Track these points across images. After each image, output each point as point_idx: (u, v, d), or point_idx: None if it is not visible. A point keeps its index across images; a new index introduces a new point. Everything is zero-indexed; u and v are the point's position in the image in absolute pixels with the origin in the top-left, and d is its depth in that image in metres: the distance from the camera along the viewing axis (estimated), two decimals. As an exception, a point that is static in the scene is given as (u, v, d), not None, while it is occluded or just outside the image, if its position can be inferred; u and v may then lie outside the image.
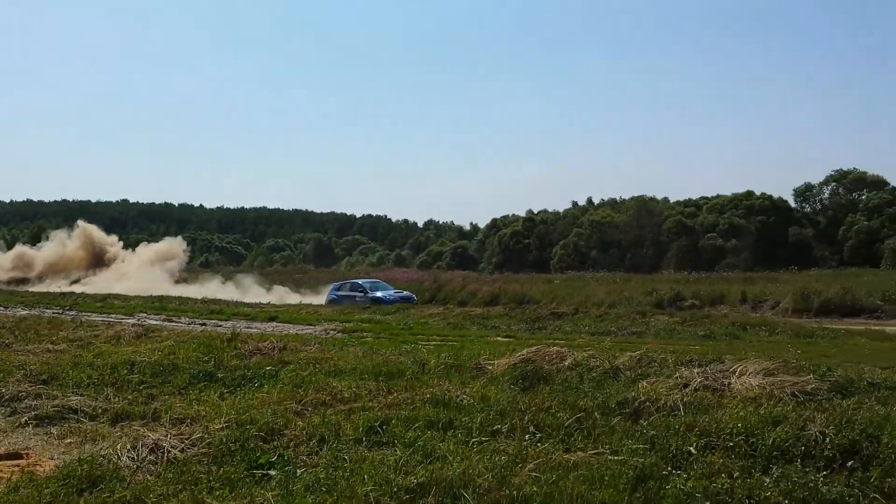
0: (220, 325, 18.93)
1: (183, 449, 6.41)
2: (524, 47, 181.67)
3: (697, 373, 8.36)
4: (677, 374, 8.38)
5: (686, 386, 7.91)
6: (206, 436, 6.68)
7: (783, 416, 6.61)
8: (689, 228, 72.30)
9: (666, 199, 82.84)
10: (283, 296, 41.93)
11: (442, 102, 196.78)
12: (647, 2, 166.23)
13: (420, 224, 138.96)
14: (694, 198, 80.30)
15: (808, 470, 5.58)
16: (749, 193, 75.00)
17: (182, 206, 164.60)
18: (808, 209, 77.53)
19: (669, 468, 5.71)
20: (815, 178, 78.91)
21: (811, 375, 8.06)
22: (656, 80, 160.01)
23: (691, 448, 6.07)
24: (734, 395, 7.54)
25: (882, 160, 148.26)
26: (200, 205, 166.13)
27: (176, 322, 20.77)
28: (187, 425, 7.22)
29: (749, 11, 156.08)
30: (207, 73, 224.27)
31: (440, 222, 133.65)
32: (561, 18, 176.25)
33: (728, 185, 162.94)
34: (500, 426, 6.74)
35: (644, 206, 76.92)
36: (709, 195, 79.20)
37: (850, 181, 74.98)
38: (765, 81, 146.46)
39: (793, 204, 76.83)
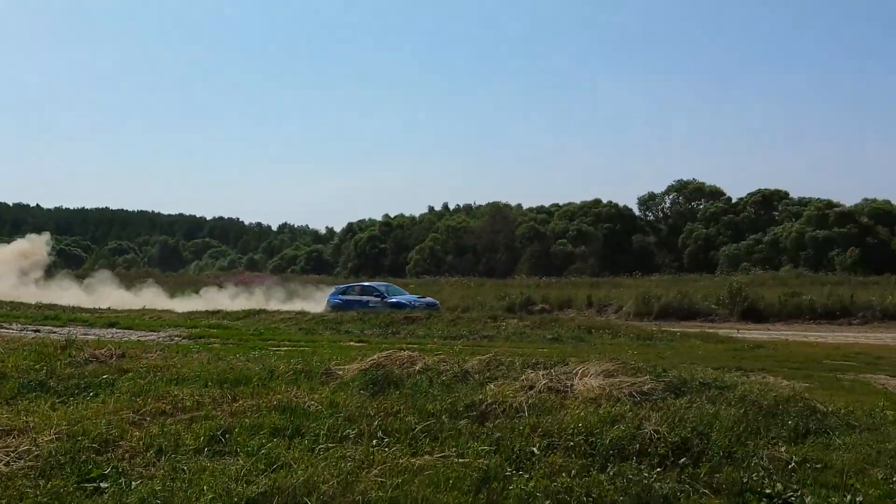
0: (54, 332, 17.86)
1: (8, 462, 6.01)
2: (379, 52, 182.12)
3: (543, 375, 8.55)
4: (524, 377, 8.53)
5: (532, 388, 8.07)
6: (34, 448, 6.28)
7: (621, 415, 6.88)
8: (541, 234, 74.34)
9: (520, 206, 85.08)
10: (153, 300, 36.73)
11: (298, 105, 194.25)
12: (496, 9, 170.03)
13: (274, 227, 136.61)
14: (546, 205, 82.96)
15: (642, 467, 5.82)
16: (597, 201, 78.09)
17: (17, 205, 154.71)
18: (651, 217, 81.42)
19: (513, 469, 5.82)
20: (658, 188, 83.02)
21: (648, 376, 8.41)
22: (510, 87, 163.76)
23: (534, 449, 6.22)
24: (576, 396, 7.76)
25: (717, 172, 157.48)
26: (37, 204, 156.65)
27: (6, 328, 19.46)
28: (14, 438, 6.74)
29: (595, 23, 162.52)
30: (44, 65, 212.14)
31: (295, 226, 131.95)
32: (415, 24, 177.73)
33: (578, 193, 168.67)
34: (347, 432, 6.67)
35: (498, 212, 78.57)
36: (560, 202, 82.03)
37: (689, 191, 79.35)
38: (611, 93, 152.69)
39: (637, 212, 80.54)
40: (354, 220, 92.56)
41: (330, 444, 6.34)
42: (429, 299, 30.89)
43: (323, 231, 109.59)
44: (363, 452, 6.09)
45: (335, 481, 5.42)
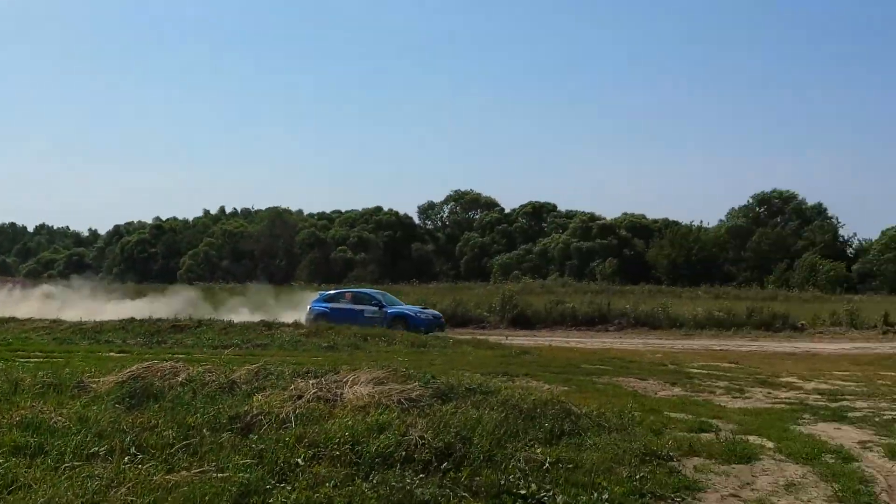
0: None
1: None
2: (153, 45, 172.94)
3: (313, 384, 8.46)
4: (293, 387, 8.41)
5: (300, 397, 7.96)
6: None
7: (388, 422, 6.91)
8: (321, 241, 74.16)
9: (300, 211, 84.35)
10: None
11: (60, 97, 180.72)
12: (272, 9, 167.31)
13: (30, 228, 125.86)
14: (328, 211, 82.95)
15: (406, 474, 5.87)
16: (378, 209, 79.09)
17: None
18: (431, 226, 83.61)
19: (275, 482, 5.67)
20: (438, 197, 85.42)
21: (417, 383, 8.55)
22: (292, 87, 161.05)
23: (299, 460, 6.10)
24: (346, 405, 7.73)
25: (492, 184, 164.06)
26: None
27: None
28: None
29: (382, 26, 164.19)
30: None
31: (54, 227, 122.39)
32: (188, 16, 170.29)
33: (360, 200, 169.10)
34: (97, 449, 6.22)
35: (278, 217, 77.53)
36: (342, 209, 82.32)
37: (466, 201, 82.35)
38: (389, 99, 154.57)
39: (417, 220, 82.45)
40: (122, 222, 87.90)
41: (76, 463, 5.88)
42: (433, 311, 27.48)
43: (86, 233, 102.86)
44: (113, 470, 5.70)
45: (79, 502, 5.04)
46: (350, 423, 6.93)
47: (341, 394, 8.16)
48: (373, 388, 8.25)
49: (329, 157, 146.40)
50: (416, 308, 26.82)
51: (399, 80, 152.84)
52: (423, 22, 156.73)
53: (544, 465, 6.38)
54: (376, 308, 25.60)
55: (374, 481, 5.68)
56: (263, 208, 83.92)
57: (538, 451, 6.74)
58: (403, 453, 6.28)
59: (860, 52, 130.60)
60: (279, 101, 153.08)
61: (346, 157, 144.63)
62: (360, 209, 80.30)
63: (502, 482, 5.88)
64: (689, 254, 63.25)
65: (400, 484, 5.63)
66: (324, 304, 26.62)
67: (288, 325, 21.53)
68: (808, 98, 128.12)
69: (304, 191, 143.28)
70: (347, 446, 6.33)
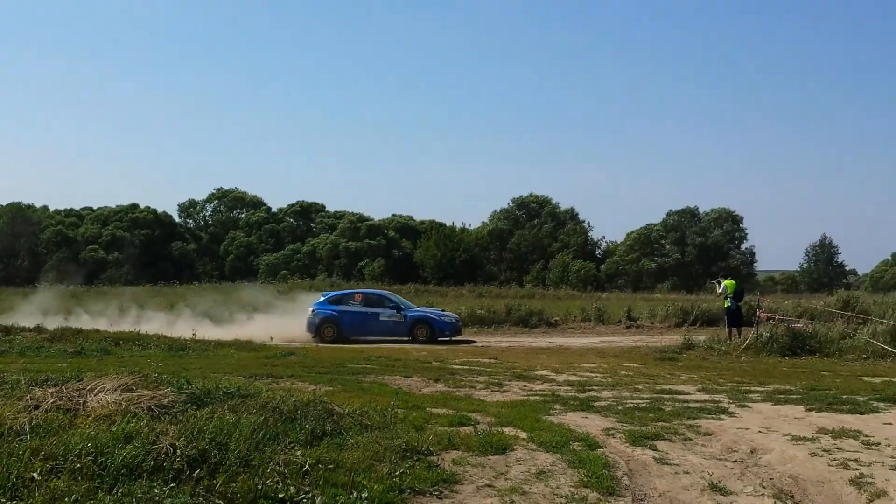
0: None
1: None
2: None
3: (52, 392, 7.80)
4: (29, 396, 7.71)
5: (37, 407, 7.31)
6: None
7: (136, 431, 6.49)
8: (70, 239, 69.36)
9: (45, 208, 78.21)
10: None
11: None
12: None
13: None
14: (77, 208, 77.56)
15: (155, 484, 5.53)
16: (134, 206, 75.09)
17: None
18: (192, 224, 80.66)
19: (7, 499, 5.18)
20: (199, 195, 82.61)
21: (169, 388, 8.13)
22: (34, 75, 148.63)
23: (35, 474, 5.59)
24: (89, 414, 7.18)
25: (258, 183, 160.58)
26: None
27: None
28: None
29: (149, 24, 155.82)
30: None
31: None
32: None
33: (113, 197, 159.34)
34: None
35: (19, 214, 71.53)
36: (94, 205, 77.36)
37: (230, 200, 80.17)
38: (152, 94, 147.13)
39: (177, 219, 79.19)
40: None
41: None
42: (453, 314, 25.21)
43: None
44: None
45: None
46: (93, 433, 6.43)
47: (84, 402, 7.57)
48: (120, 395, 7.72)
49: (79, 150, 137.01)
50: (438, 311, 25.04)
51: (159, 73, 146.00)
52: (184, 14, 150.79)
53: (304, 467, 6.26)
54: (394, 311, 23.64)
55: (119, 494, 5.32)
56: (3, 204, 77.02)
57: (298, 452, 6.60)
58: (153, 463, 5.92)
59: (613, 68, 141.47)
60: (24, 87, 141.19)
61: (99, 150, 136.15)
62: (113, 206, 75.84)
63: (260, 487, 5.69)
64: (454, 254, 65.42)
65: (148, 495, 5.30)
66: (330, 307, 23.85)
67: (29, 330, 19.82)
68: (564, 110, 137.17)
69: (49, 185, 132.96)
70: (90, 458, 5.87)
